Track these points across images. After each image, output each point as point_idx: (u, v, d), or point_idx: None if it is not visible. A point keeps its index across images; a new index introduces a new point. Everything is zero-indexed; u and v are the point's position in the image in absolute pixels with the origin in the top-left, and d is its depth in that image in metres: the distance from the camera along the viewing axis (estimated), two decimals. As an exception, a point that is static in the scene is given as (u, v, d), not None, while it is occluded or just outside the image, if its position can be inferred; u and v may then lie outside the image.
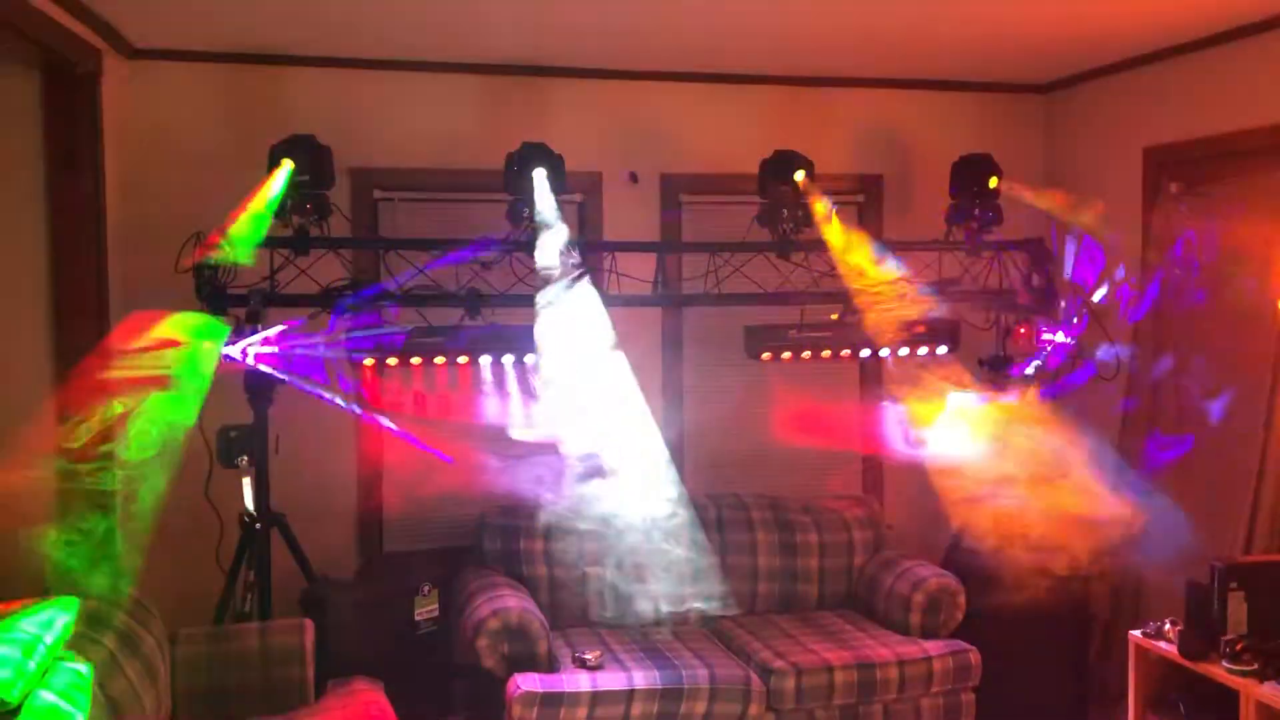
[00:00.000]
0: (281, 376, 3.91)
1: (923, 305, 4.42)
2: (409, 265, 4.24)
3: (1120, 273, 4.54)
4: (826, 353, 4.46)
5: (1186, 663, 3.63)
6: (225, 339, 3.81)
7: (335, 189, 4.16)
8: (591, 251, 4.63)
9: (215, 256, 3.81)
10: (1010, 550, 4.13)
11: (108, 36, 4.04)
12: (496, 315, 4.25)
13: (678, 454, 4.94)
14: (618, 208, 4.89)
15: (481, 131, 4.65)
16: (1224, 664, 3.49)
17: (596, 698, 3.80)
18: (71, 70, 3.81)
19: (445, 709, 4.13)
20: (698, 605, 4.56)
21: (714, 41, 4.38)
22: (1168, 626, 3.79)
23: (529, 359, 4.15)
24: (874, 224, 5.10)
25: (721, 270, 4.51)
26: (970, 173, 4.57)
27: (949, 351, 4.59)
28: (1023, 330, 4.66)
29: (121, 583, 3.50)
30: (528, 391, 4.32)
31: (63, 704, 2.72)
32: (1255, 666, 3.41)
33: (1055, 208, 4.56)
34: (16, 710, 2.61)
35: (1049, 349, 4.57)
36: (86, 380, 3.67)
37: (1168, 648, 3.73)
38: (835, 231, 4.32)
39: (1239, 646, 3.47)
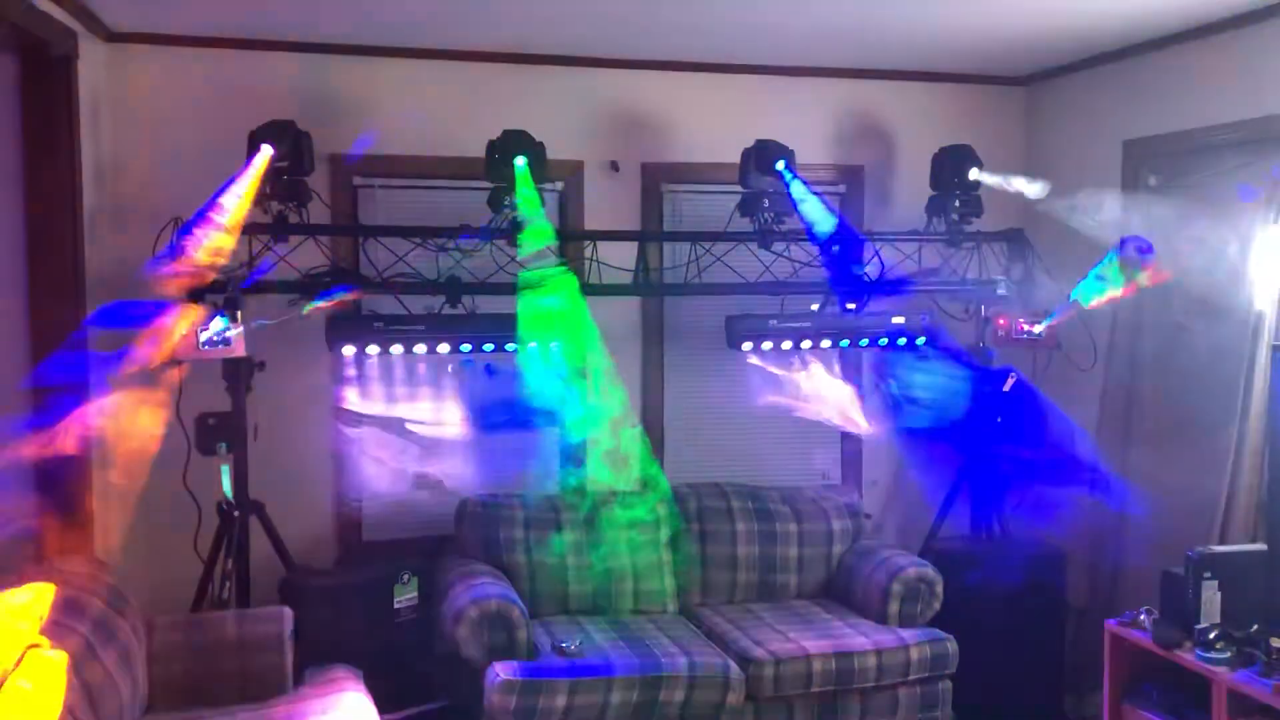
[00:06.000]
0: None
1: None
2: (389, 252, 4.23)
3: (1098, 265, 4.56)
4: (806, 343, 4.48)
5: (1161, 651, 3.67)
6: (204, 325, 3.79)
7: (315, 175, 4.14)
8: (572, 240, 4.63)
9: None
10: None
11: (84, 19, 3.99)
12: (477, 303, 4.25)
13: (658, 443, 4.96)
14: (599, 196, 4.87)
15: (463, 119, 4.61)
16: (1197, 652, 3.53)
17: (575, 685, 3.80)
18: (47, 53, 3.76)
19: (425, 697, 4.13)
20: (677, 594, 4.58)
21: (696, 31, 4.37)
22: (1143, 615, 3.83)
23: (509, 347, 4.14)
24: (855, 214, 5.11)
25: (702, 260, 4.52)
26: (951, 164, 4.59)
27: (926, 341, 4.62)
28: (1001, 321, 4.69)
29: (100, 568, 3.49)
30: (510, 379, 4.32)
31: (38, 692, 2.71)
32: (1228, 655, 3.46)
33: (1034, 199, 4.57)
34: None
35: (1027, 339, 4.60)
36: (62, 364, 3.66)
37: (1142, 636, 3.77)
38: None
39: (1212, 635, 3.51)
